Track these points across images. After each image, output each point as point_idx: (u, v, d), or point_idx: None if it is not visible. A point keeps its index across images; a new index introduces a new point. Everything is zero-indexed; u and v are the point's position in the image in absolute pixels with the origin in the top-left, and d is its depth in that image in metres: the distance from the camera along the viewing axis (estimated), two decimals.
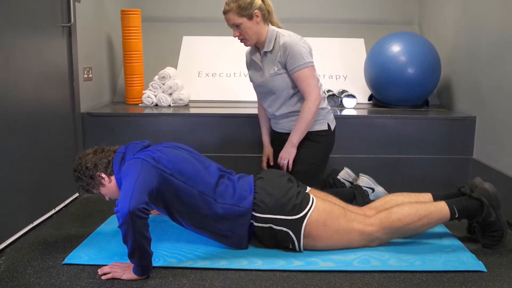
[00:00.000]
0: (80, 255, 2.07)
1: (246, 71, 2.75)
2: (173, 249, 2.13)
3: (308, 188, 2.24)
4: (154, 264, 1.92)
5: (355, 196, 2.59)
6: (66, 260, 2.02)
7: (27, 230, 2.34)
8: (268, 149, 2.71)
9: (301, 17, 4.06)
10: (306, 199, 2.08)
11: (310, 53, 2.43)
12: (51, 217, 2.57)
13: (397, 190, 2.37)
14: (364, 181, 2.73)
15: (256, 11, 2.37)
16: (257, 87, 2.60)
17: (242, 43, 2.49)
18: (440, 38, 3.53)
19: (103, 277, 1.88)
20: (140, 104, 3.37)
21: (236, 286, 1.84)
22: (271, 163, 2.70)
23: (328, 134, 2.55)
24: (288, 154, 2.49)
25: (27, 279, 1.88)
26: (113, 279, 1.87)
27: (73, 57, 2.81)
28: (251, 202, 2.05)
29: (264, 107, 2.64)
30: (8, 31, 2.18)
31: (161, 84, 3.33)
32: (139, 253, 1.81)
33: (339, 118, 2.81)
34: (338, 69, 3.76)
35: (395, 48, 3.16)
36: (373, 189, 2.70)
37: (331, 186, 2.78)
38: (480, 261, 2.02)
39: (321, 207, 2.07)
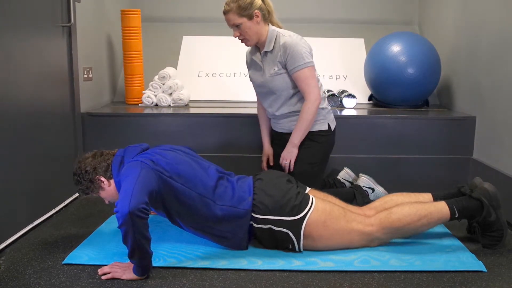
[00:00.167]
0: (80, 255, 2.07)
1: (246, 71, 2.75)
2: (173, 249, 2.13)
3: (308, 189, 2.24)
4: (154, 264, 1.92)
5: (355, 196, 2.58)
6: (66, 260, 2.02)
7: (27, 230, 2.34)
8: (268, 149, 2.71)
9: (301, 17, 4.06)
10: (305, 199, 2.08)
11: (310, 53, 2.43)
12: (51, 217, 2.57)
13: (397, 190, 2.37)
14: (364, 181, 2.73)
15: (256, 11, 2.37)
16: (257, 87, 2.60)
17: (243, 43, 2.49)
18: (440, 38, 3.53)
19: (103, 277, 1.88)
20: (140, 104, 3.37)
21: (236, 286, 1.84)
22: (271, 163, 2.70)
23: (328, 134, 2.55)
24: (289, 155, 2.49)
25: (27, 279, 1.88)
26: (113, 279, 1.87)
27: (73, 57, 2.81)
28: (250, 204, 2.05)
29: (264, 107, 2.64)
30: (8, 31, 2.18)
31: (161, 84, 3.33)
32: (139, 253, 1.82)
33: (339, 118, 2.81)
34: (338, 69, 3.76)
35: (395, 48, 3.16)
36: (373, 189, 2.70)
37: (331, 186, 2.78)
38: (480, 261, 2.02)
39: (320, 207, 2.07)
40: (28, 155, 2.36)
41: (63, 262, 2.01)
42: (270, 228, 2.05)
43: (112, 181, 2.08)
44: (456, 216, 2.14)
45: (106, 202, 2.17)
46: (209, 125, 2.99)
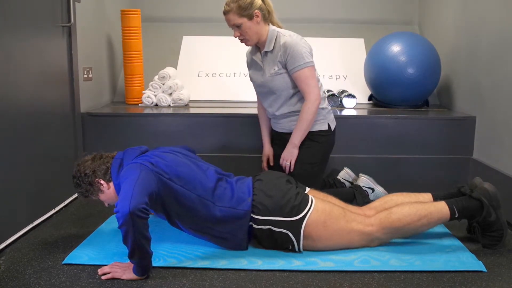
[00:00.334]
0: (80, 255, 2.07)
1: (246, 71, 2.75)
2: (173, 249, 2.13)
3: (307, 189, 2.24)
4: (154, 264, 1.92)
5: (355, 196, 2.58)
6: (66, 260, 2.02)
7: (27, 230, 2.34)
8: (268, 149, 2.71)
9: (301, 17, 4.06)
10: (305, 200, 2.08)
11: (311, 53, 2.43)
12: (51, 217, 2.57)
13: (397, 190, 2.37)
14: (364, 181, 2.73)
15: (256, 11, 2.37)
16: (258, 87, 2.60)
17: (243, 43, 2.49)
18: (440, 38, 3.53)
19: (103, 277, 1.88)
20: (140, 104, 3.37)
21: (236, 286, 1.84)
22: (271, 163, 2.70)
23: (328, 134, 2.55)
24: (290, 155, 2.49)
25: (27, 279, 1.88)
26: (113, 279, 1.87)
27: (73, 57, 2.81)
28: (249, 205, 2.05)
29: (264, 107, 2.64)
30: (8, 31, 2.19)
31: (161, 84, 3.33)
32: (139, 253, 1.82)
33: (339, 118, 2.81)
34: (338, 69, 3.76)
35: (395, 48, 3.16)
36: (373, 189, 2.70)
37: (331, 186, 2.78)
38: (480, 261, 2.02)
39: (320, 207, 2.07)
40: (28, 155, 2.36)
41: (63, 262, 2.01)
42: (270, 229, 2.05)
43: (111, 184, 2.08)
44: (456, 216, 2.14)
45: (106, 205, 2.17)
46: (209, 125, 2.99)
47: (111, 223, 2.47)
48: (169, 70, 3.38)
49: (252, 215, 2.05)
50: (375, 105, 3.45)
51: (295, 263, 2.00)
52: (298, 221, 2.03)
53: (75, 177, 2.11)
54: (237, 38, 2.45)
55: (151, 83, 3.35)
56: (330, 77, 3.71)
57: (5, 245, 2.16)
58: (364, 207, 2.25)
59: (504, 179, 2.55)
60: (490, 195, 2.14)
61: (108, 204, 2.16)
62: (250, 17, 2.37)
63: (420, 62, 3.12)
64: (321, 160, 2.57)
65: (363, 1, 4.12)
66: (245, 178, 2.20)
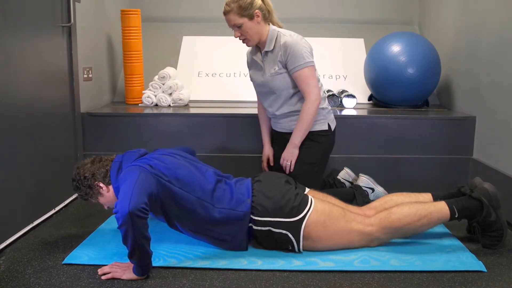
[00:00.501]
0: (80, 255, 2.07)
1: (246, 71, 2.75)
2: (173, 249, 2.13)
3: (307, 189, 2.24)
4: (154, 264, 1.92)
5: (355, 196, 2.58)
6: (66, 260, 2.02)
7: (27, 230, 2.34)
8: (268, 149, 2.71)
9: (301, 17, 4.06)
10: (304, 200, 2.08)
11: (311, 53, 2.43)
12: (51, 217, 2.57)
13: (397, 190, 2.37)
14: (364, 181, 2.73)
15: (256, 11, 2.37)
16: (258, 87, 2.60)
17: (243, 43, 2.48)
18: (440, 38, 3.53)
19: (103, 277, 1.88)
20: (140, 104, 3.37)
21: (236, 286, 1.84)
22: (271, 163, 2.70)
23: (328, 134, 2.55)
24: (290, 155, 2.49)
25: (27, 279, 1.88)
26: (113, 279, 1.87)
27: (73, 57, 2.81)
28: (248, 206, 2.05)
29: (265, 107, 2.64)
30: (8, 31, 2.19)
31: (161, 84, 3.33)
32: (139, 253, 1.82)
33: (339, 118, 2.81)
34: (338, 69, 3.76)
35: (395, 48, 3.16)
36: (373, 189, 2.70)
37: (331, 186, 2.78)
38: (480, 261, 2.02)
39: (320, 208, 2.07)
40: (28, 155, 2.36)
41: (63, 262, 2.01)
42: (270, 230, 2.05)
43: (110, 187, 2.09)
44: (456, 216, 2.14)
45: (105, 207, 2.18)
46: (209, 125, 2.99)
47: (111, 223, 2.47)
48: (169, 70, 3.38)
49: (251, 216, 2.05)
50: (375, 105, 3.45)
51: (295, 263, 2.00)
52: (298, 222, 2.03)
53: (74, 180, 2.12)
54: (238, 38, 2.45)
55: (151, 83, 3.35)
56: (330, 77, 3.71)
57: (5, 245, 2.16)
58: (364, 207, 2.25)
59: (504, 179, 2.55)
60: (490, 195, 2.14)
61: (108, 207, 2.16)
62: (251, 17, 2.37)
63: (420, 62, 3.12)
64: (321, 160, 2.57)
65: (363, 1, 4.12)
66: (244, 179, 2.20)
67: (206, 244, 2.17)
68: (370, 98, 3.53)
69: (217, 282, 1.87)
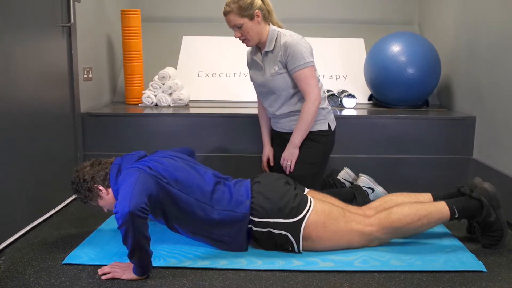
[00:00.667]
0: (79, 255, 2.07)
1: (246, 71, 2.75)
2: (173, 249, 2.13)
3: (307, 190, 2.24)
4: (154, 264, 1.92)
5: (355, 196, 2.59)
6: (66, 260, 2.02)
7: (27, 230, 2.34)
8: (268, 149, 2.71)
9: (301, 17, 4.06)
10: (304, 201, 2.08)
11: (311, 53, 2.43)
12: (50, 217, 2.57)
13: (397, 190, 2.37)
14: (364, 181, 2.73)
15: (257, 11, 2.37)
16: (258, 87, 2.60)
17: (244, 44, 2.48)
18: (440, 38, 3.53)
19: (103, 277, 1.88)
20: (140, 104, 3.37)
21: (236, 286, 1.84)
22: (271, 163, 2.70)
23: (328, 134, 2.55)
24: (290, 155, 2.49)
25: (27, 279, 1.88)
26: (113, 279, 1.87)
27: (73, 57, 2.81)
28: (248, 207, 2.05)
29: (265, 107, 2.64)
30: (8, 31, 2.19)
31: (161, 84, 3.33)
32: (139, 253, 1.82)
33: (339, 118, 2.81)
34: (338, 69, 3.76)
35: (395, 48, 3.16)
36: (373, 189, 2.70)
37: (331, 186, 2.78)
38: (480, 261, 2.02)
39: (319, 208, 2.07)
40: (28, 155, 2.36)
41: (63, 262, 2.01)
42: (269, 231, 2.05)
43: (110, 189, 2.09)
44: (456, 216, 2.14)
45: (105, 210, 2.18)
46: (209, 125, 2.99)
47: (111, 223, 2.47)
48: (169, 70, 3.38)
49: (251, 217, 2.05)
50: (375, 105, 3.45)
51: (295, 263, 2.00)
52: (297, 223, 2.03)
53: (74, 183, 2.12)
54: (238, 38, 2.45)
55: (151, 83, 3.35)
56: (330, 77, 3.71)
57: (5, 245, 2.16)
58: (363, 207, 2.25)
59: (504, 179, 2.55)
60: (490, 195, 2.14)
61: (107, 209, 2.17)
62: (251, 17, 2.37)
63: (420, 62, 3.12)
64: (321, 160, 2.57)
65: (363, 1, 4.12)
66: (243, 180, 2.20)
67: (206, 244, 2.17)
68: (370, 98, 3.53)
69: (217, 282, 1.87)
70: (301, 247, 2.06)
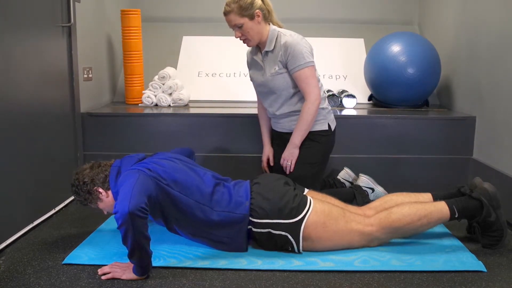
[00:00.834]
0: (79, 255, 2.07)
1: (246, 71, 2.75)
2: (173, 249, 2.13)
3: (306, 190, 2.24)
4: (154, 264, 1.92)
5: (355, 196, 2.59)
6: (66, 260, 2.02)
7: (27, 230, 2.34)
8: (268, 149, 2.71)
9: (301, 17, 4.06)
10: (303, 201, 2.08)
11: (311, 53, 2.44)
12: (50, 217, 2.57)
13: (397, 190, 2.37)
14: (364, 181, 2.73)
15: (257, 11, 2.37)
16: (258, 87, 2.60)
17: (245, 44, 2.48)
18: (440, 38, 3.53)
19: (103, 277, 1.88)
20: (140, 104, 3.37)
21: (236, 286, 1.84)
22: (271, 163, 2.70)
23: (328, 134, 2.55)
24: (291, 155, 2.49)
25: (27, 279, 1.88)
26: (113, 279, 1.87)
27: (73, 57, 2.81)
28: (247, 208, 2.05)
29: (265, 107, 2.64)
30: (8, 31, 2.19)
31: (161, 84, 3.33)
32: (139, 253, 1.82)
33: (339, 118, 2.81)
34: (338, 69, 3.76)
35: (395, 48, 3.16)
36: (373, 189, 2.70)
37: (331, 186, 2.78)
38: (480, 261, 2.02)
39: (319, 208, 2.07)
40: (28, 155, 2.36)
41: (63, 262, 2.01)
42: (269, 232, 2.05)
43: (109, 192, 2.09)
44: (456, 216, 2.14)
45: (105, 212, 2.19)
46: (209, 125, 2.99)
47: (111, 223, 2.47)
48: (169, 70, 3.38)
49: (250, 218, 2.05)
50: (375, 105, 3.45)
51: (295, 263, 2.00)
52: (297, 223, 2.03)
53: (73, 186, 2.12)
54: (239, 38, 2.44)
55: (151, 83, 3.35)
56: (330, 77, 3.71)
57: (5, 245, 2.16)
58: (363, 207, 2.25)
59: (504, 179, 2.55)
60: (490, 195, 2.14)
61: (107, 212, 2.17)
62: (251, 17, 2.37)
63: (420, 62, 3.12)
64: (321, 160, 2.57)
65: (363, 1, 4.12)
66: (243, 181, 2.20)
67: None
68: (370, 98, 3.53)
69: (217, 282, 1.87)
70: (301, 248, 2.06)
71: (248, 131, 2.96)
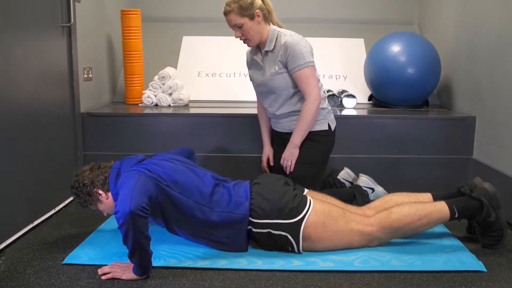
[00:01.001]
0: (79, 255, 2.07)
1: (246, 71, 2.75)
2: (173, 249, 2.13)
3: (306, 190, 2.24)
4: (154, 264, 1.92)
5: (355, 196, 2.59)
6: (66, 260, 2.03)
7: (27, 230, 2.34)
8: (268, 149, 2.71)
9: (301, 17, 4.06)
10: (303, 201, 2.08)
11: (311, 53, 2.44)
12: (50, 217, 2.57)
13: (397, 190, 2.37)
14: (364, 181, 2.73)
15: (257, 10, 2.37)
16: (258, 87, 2.60)
17: (245, 44, 2.48)
18: (440, 38, 3.53)
19: (103, 277, 1.88)
20: (140, 104, 3.37)
21: (236, 286, 1.84)
22: (271, 163, 2.70)
23: (328, 134, 2.55)
24: (291, 155, 2.49)
25: (27, 279, 1.88)
26: (113, 279, 1.87)
27: (73, 57, 2.81)
28: (247, 209, 2.05)
29: (265, 107, 2.64)
30: (8, 31, 2.19)
31: (161, 84, 3.33)
32: (139, 253, 1.82)
33: (339, 118, 2.81)
34: (338, 69, 3.76)
35: (395, 48, 3.16)
36: (373, 189, 2.70)
37: (331, 186, 2.78)
38: (480, 261, 2.02)
39: (319, 208, 2.07)
40: (28, 155, 2.36)
41: (63, 262, 2.01)
42: (269, 232, 2.05)
43: (109, 193, 2.09)
44: (456, 216, 2.14)
45: (105, 214, 2.19)
46: (209, 125, 2.99)
47: (111, 223, 2.47)
48: (169, 70, 3.38)
49: (250, 218, 2.05)
50: (375, 105, 3.45)
51: (295, 263, 2.00)
52: (297, 223, 2.03)
53: (73, 188, 2.12)
54: (239, 38, 2.44)
55: (151, 83, 3.35)
56: (330, 77, 3.71)
57: (5, 245, 2.16)
58: (363, 207, 2.25)
59: (504, 179, 2.55)
60: (490, 195, 2.14)
61: (107, 213, 2.17)
62: (252, 17, 2.37)
63: (420, 62, 3.12)
64: (321, 160, 2.57)
65: (363, 1, 4.12)
66: (243, 182, 2.20)
67: None
68: (370, 98, 3.53)
69: (217, 282, 1.87)
70: (301, 248, 2.06)
71: (248, 131, 2.96)
